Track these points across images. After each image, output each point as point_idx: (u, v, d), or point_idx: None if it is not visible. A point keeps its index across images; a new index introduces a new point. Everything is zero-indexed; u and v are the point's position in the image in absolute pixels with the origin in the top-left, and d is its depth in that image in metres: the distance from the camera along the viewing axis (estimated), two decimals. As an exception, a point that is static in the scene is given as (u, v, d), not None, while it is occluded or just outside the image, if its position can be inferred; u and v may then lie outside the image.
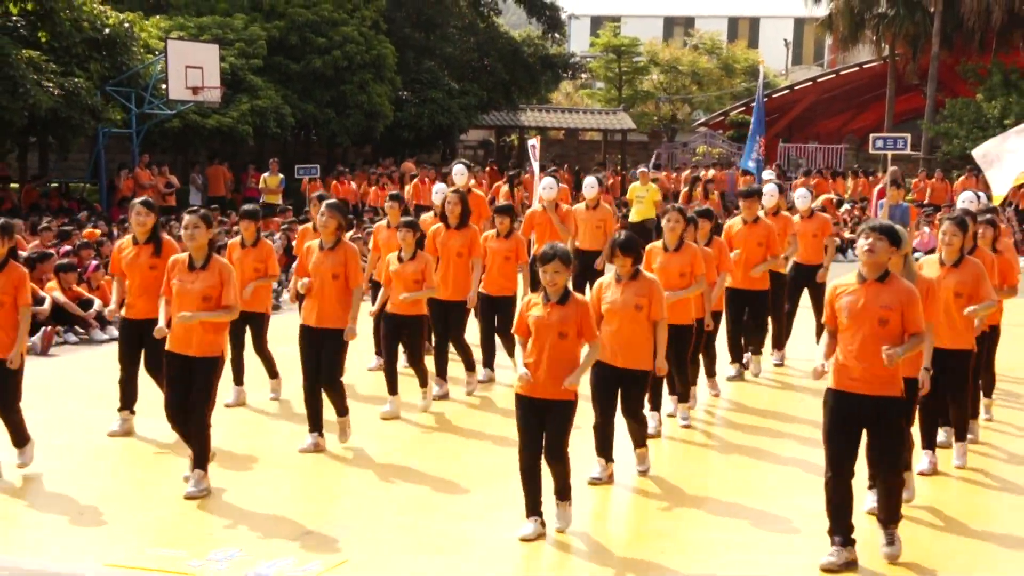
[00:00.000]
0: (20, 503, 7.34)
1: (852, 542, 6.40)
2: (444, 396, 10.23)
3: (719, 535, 6.92)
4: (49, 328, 12.32)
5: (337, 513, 7.29)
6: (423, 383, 9.83)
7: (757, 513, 7.31)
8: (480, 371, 10.86)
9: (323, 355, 8.45)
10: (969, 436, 8.68)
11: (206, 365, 7.47)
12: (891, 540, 6.52)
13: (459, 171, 13.06)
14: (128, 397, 8.95)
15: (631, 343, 7.44)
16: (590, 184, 13.30)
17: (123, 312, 8.88)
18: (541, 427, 6.67)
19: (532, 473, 6.73)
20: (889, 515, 6.54)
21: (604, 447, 7.77)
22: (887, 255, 6.26)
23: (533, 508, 6.77)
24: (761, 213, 11.04)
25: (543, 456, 6.71)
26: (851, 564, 6.36)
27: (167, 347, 7.57)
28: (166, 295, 7.71)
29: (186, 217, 7.58)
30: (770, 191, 11.43)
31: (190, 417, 7.46)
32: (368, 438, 8.90)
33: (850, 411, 6.27)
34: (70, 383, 10.72)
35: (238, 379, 10.02)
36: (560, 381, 6.60)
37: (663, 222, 9.02)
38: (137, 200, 8.87)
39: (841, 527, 6.39)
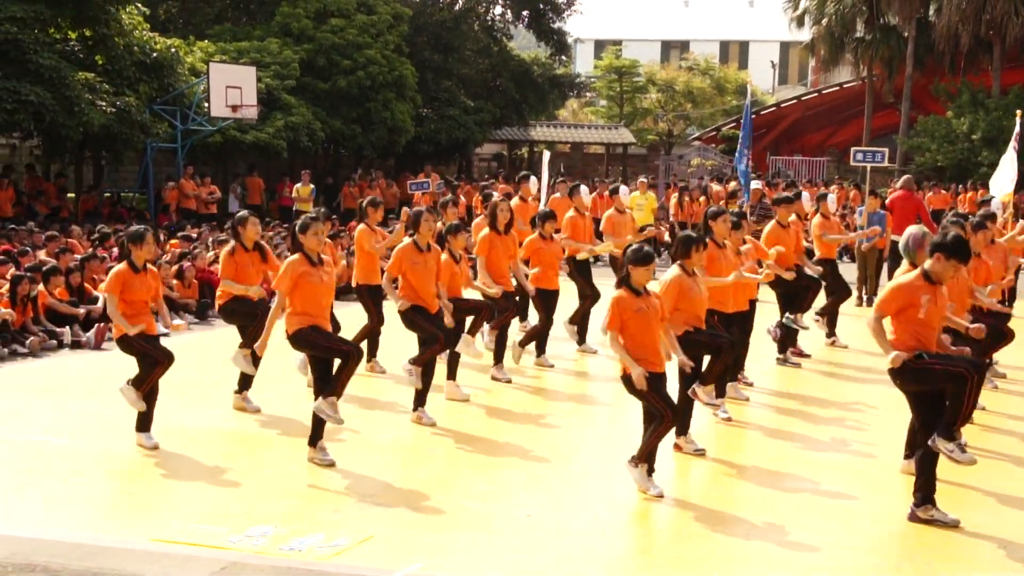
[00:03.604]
0: (76, 483, 7.37)
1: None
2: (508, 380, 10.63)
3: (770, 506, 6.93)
4: (102, 324, 12.33)
5: (365, 492, 7.25)
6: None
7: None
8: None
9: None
10: None
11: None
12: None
13: (533, 182, 14.18)
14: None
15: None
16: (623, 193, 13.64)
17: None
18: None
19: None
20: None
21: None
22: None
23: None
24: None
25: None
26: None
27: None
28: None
29: (314, 224, 7.94)
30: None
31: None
32: (396, 419, 8.90)
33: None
34: (122, 375, 10.72)
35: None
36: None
37: (719, 223, 9.14)
38: (249, 213, 9.41)
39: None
